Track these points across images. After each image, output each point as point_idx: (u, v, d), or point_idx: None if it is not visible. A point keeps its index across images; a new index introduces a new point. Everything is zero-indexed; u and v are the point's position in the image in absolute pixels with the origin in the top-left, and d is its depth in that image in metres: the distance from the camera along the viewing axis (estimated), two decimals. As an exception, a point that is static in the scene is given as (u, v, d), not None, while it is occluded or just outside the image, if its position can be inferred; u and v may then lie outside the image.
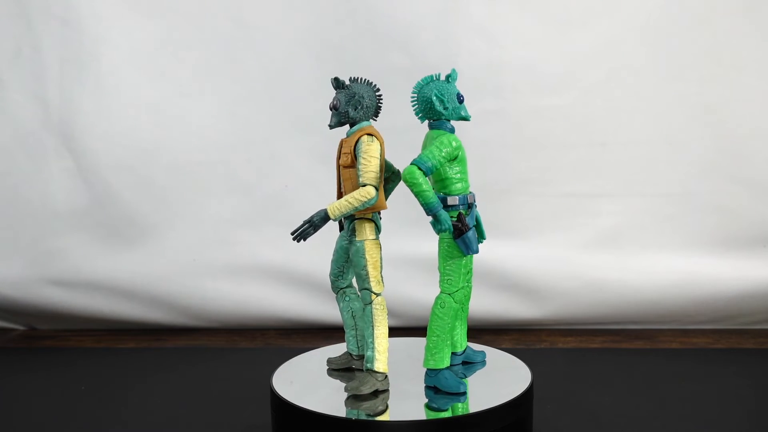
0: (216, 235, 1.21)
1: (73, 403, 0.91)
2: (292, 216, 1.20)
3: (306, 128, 1.19)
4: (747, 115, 1.14)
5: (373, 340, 0.71)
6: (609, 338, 1.15)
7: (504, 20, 1.15)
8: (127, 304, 1.22)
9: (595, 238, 1.18)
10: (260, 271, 1.21)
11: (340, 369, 0.77)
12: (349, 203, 0.69)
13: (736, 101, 1.14)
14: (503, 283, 1.18)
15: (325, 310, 1.20)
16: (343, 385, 0.73)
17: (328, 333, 1.19)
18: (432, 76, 0.72)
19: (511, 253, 1.18)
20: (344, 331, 0.78)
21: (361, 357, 0.77)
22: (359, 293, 0.73)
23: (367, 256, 0.70)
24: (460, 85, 0.74)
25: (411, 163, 0.68)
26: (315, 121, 1.18)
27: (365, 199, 0.68)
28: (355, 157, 0.70)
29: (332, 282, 0.77)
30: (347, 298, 0.77)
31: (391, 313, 1.17)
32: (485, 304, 1.17)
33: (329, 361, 0.78)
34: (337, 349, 0.83)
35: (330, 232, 0.77)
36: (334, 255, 0.76)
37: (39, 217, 1.22)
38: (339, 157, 0.73)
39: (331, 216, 0.69)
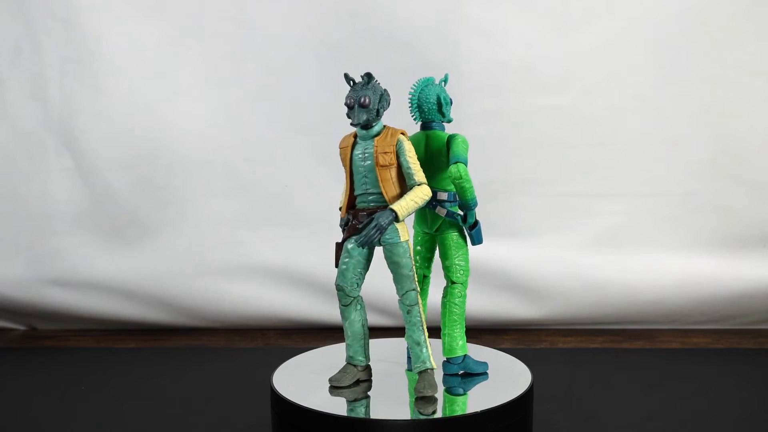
0: (216, 235, 1.21)
1: (73, 403, 0.91)
2: (292, 216, 1.21)
3: (306, 128, 1.19)
4: (747, 115, 1.15)
5: (425, 339, 0.70)
6: (609, 338, 1.15)
7: (504, 20, 1.15)
8: (127, 304, 1.22)
9: (595, 238, 1.18)
10: (260, 271, 1.21)
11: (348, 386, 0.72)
12: (416, 203, 0.68)
13: (736, 101, 1.14)
14: (503, 283, 1.18)
15: (325, 310, 1.20)
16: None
17: (328, 333, 1.19)
18: (429, 79, 0.74)
19: (511, 253, 1.18)
20: (347, 341, 0.73)
21: (367, 367, 0.74)
22: (403, 296, 0.70)
23: (411, 256, 0.70)
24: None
25: (457, 162, 0.70)
26: (315, 121, 1.19)
27: (427, 198, 0.69)
28: (396, 157, 0.69)
29: (345, 291, 0.71)
30: (359, 307, 0.73)
31: (389, 313, 1.17)
32: (485, 304, 1.17)
33: (333, 380, 0.72)
34: (338, 350, 0.83)
35: (330, 231, 0.77)
36: (349, 262, 0.71)
37: (39, 217, 1.22)
38: (351, 158, 0.70)
39: (401, 217, 0.67)
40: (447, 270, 0.75)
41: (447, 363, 0.75)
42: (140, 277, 1.21)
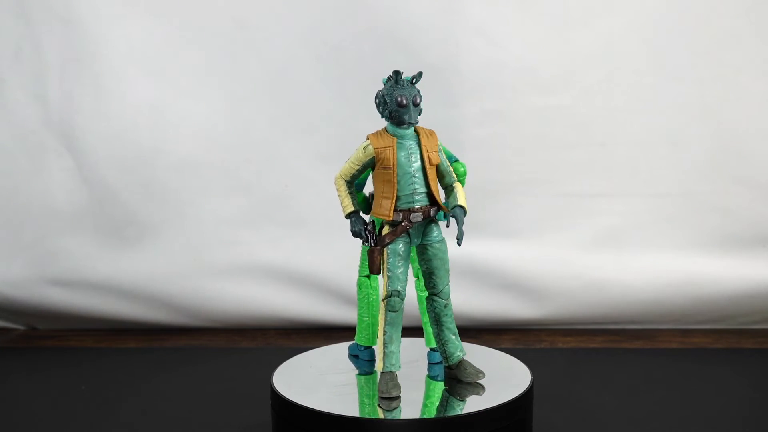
0: (216, 235, 1.21)
1: (73, 403, 0.91)
2: (292, 216, 1.21)
3: (306, 128, 1.19)
4: (747, 116, 1.14)
5: (456, 331, 0.73)
6: (609, 338, 1.15)
7: (504, 20, 1.15)
8: (127, 304, 1.22)
9: (595, 238, 1.18)
10: (260, 271, 1.21)
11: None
12: (466, 199, 0.71)
13: (736, 101, 1.14)
14: (503, 283, 1.18)
15: (325, 310, 1.20)
16: (343, 384, 0.73)
17: (328, 333, 1.19)
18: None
19: (511, 253, 1.18)
20: (390, 348, 0.70)
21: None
22: (441, 291, 0.71)
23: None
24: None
25: (456, 160, 0.74)
26: (315, 121, 1.19)
27: None
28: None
29: (401, 296, 0.69)
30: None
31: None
32: (485, 304, 1.17)
33: (383, 392, 0.69)
34: (338, 350, 0.83)
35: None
36: (401, 263, 0.69)
37: (39, 217, 1.22)
38: (393, 156, 0.68)
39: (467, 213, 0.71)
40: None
41: (432, 352, 0.77)
42: (140, 277, 1.20)
